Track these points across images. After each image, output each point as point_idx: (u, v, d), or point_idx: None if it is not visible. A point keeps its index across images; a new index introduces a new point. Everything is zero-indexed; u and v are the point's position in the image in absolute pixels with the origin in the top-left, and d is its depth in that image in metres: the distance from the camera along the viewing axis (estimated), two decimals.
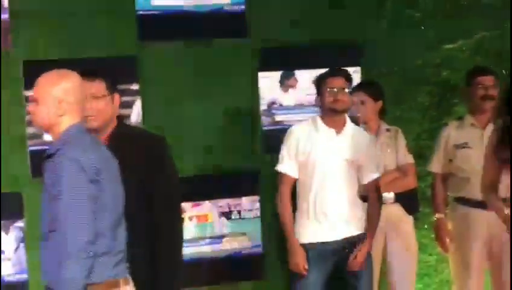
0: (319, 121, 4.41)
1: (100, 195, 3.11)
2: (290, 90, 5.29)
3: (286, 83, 5.29)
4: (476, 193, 4.38)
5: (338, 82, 4.35)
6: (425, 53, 5.53)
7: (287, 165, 4.42)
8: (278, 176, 4.47)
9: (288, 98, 5.29)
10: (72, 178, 3.04)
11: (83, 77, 3.50)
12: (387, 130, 4.88)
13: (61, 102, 3.18)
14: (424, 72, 5.54)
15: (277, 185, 4.49)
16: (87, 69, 3.60)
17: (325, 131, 4.38)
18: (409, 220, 4.91)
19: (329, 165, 4.34)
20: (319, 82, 4.43)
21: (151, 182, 3.53)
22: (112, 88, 3.66)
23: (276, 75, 5.27)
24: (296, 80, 5.29)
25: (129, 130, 3.72)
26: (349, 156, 4.38)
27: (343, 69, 4.50)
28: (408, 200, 4.86)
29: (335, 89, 4.33)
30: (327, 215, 4.34)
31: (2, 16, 4.69)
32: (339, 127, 4.40)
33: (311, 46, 5.30)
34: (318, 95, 4.45)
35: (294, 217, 4.44)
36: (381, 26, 5.46)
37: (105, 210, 3.15)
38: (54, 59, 4.70)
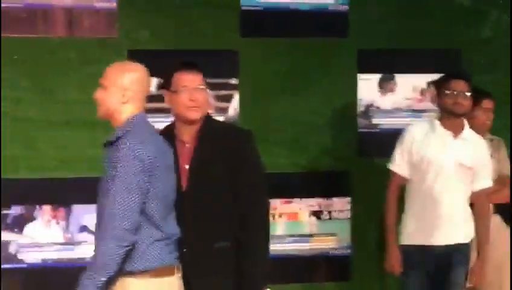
0: (437, 122, 4.34)
1: (152, 186, 3.18)
2: (389, 93, 5.25)
3: (385, 86, 5.24)
4: None
5: (459, 85, 4.27)
6: None
7: (398, 164, 4.38)
8: (389, 174, 4.42)
9: (386, 102, 5.25)
10: (127, 168, 3.12)
11: (190, 68, 3.56)
12: (491, 140, 4.80)
13: (126, 90, 3.27)
14: None
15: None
16: (194, 62, 3.64)
17: (441, 133, 4.31)
18: (507, 231, 4.85)
19: (443, 168, 4.26)
20: (440, 84, 4.37)
21: (236, 174, 3.53)
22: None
23: (375, 77, 5.23)
24: (395, 84, 5.25)
25: (217, 124, 3.74)
26: (464, 160, 4.29)
27: (466, 72, 4.43)
28: (507, 212, 4.79)
29: (455, 92, 4.25)
30: (436, 218, 4.26)
31: (109, 5, 4.80)
32: (456, 131, 4.32)
33: (412, 51, 5.26)
34: (437, 96, 4.38)
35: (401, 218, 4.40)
36: (484, 34, 5.38)
37: (156, 199, 3.21)
38: (158, 49, 4.80)
